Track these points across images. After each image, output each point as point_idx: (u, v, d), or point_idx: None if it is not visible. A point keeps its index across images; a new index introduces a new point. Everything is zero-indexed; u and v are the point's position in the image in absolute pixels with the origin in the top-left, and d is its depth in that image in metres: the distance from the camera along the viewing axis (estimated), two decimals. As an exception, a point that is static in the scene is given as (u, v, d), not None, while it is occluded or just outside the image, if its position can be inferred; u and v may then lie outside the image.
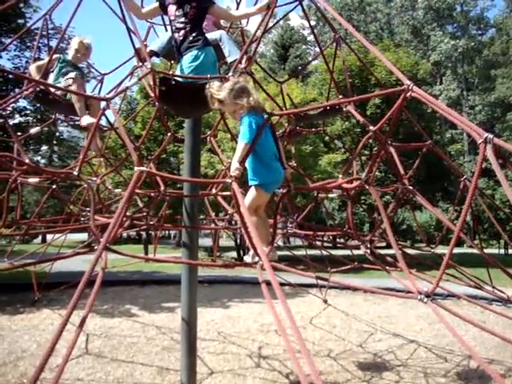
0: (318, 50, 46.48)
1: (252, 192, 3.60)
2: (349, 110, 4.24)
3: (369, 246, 4.04)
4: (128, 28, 4.08)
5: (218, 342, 8.14)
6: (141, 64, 4.26)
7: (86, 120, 4.53)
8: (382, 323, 9.95)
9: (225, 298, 12.48)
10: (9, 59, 14.61)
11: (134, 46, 4.20)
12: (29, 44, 14.26)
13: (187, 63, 4.00)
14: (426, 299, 2.52)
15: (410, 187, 4.44)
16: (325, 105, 4.46)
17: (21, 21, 14.13)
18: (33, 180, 5.50)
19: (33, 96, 4.56)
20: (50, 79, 4.95)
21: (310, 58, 44.99)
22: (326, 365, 7.06)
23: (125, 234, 32.78)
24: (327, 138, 19.69)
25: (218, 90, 3.49)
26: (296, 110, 5.79)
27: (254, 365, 7.03)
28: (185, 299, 4.78)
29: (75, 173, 3.37)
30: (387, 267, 3.55)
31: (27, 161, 4.04)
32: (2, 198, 5.19)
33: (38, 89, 4.44)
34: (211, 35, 4.55)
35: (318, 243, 8.78)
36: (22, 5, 13.75)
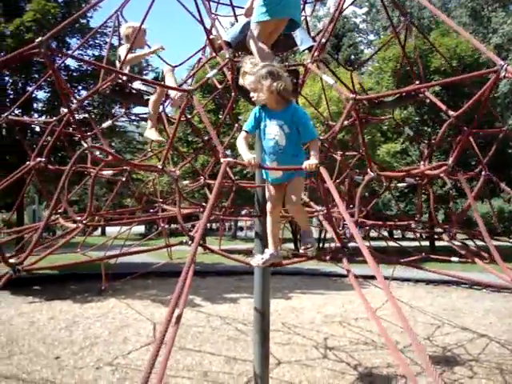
0: (370, 38, 45.46)
1: (300, 185, 3.44)
2: (427, 96, 4.11)
3: (451, 234, 3.91)
4: (201, 19, 4.11)
5: (283, 333, 8.16)
6: (214, 54, 4.28)
7: (150, 134, 4.66)
8: (448, 316, 9.66)
9: (286, 289, 12.50)
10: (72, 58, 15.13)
11: (207, 36, 4.21)
12: (91, 42, 14.71)
13: None
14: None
15: (489, 174, 4.27)
16: (404, 90, 4.32)
17: (83, 21, 14.62)
18: (107, 172, 5.67)
19: (110, 89, 4.68)
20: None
21: (364, 47, 44.15)
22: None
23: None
24: (385, 127, 19.28)
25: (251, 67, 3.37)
26: (376, 95, 5.65)
27: (320, 356, 6.99)
28: (258, 289, 4.79)
29: (159, 166, 3.43)
30: (474, 258, 3.41)
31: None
32: (79, 191, 5.34)
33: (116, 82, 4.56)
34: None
35: (376, 233, 8.59)
36: (83, 4, 14.20)
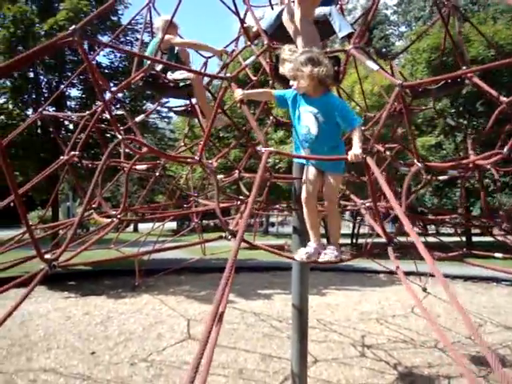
0: (402, 30, 44.53)
1: (337, 181, 3.32)
2: (474, 82, 3.88)
3: (505, 228, 3.68)
4: (236, 7, 3.99)
5: (319, 330, 7.99)
6: (249, 43, 4.14)
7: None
8: (489, 314, 9.32)
9: (320, 285, 12.29)
10: (104, 55, 15.26)
11: (242, 25, 4.08)
12: (122, 39, 14.77)
13: None
14: None
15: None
16: (451, 76, 4.04)
17: (114, 18, 14.68)
18: (140, 167, 5.61)
19: (143, 81, 4.60)
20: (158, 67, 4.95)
21: (395, 39, 43.29)
22: (435, 356, 6.71)
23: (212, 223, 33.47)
24: (419, 120, 18.81)
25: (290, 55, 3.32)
26: (423, 80, 5.41)
27: (358, 354, 6.81)
28: (296, 285, 4.65)
29: (197, 158, 3.32)
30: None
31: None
32: (111, 188, 5.30)
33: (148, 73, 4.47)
34: (320, 10, 4.34)
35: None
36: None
